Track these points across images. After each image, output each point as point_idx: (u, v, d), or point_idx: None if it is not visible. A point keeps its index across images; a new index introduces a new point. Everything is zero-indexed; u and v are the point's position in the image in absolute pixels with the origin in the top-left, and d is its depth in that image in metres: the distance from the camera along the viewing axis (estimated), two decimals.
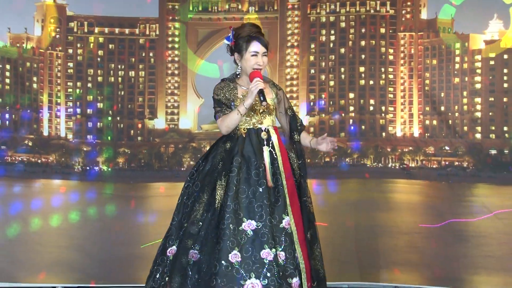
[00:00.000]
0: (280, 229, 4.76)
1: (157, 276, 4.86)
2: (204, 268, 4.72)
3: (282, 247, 4.74)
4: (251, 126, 4.94)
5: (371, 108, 7.70)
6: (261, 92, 4.70)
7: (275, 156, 4.93)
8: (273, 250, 4.70)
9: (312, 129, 7.68)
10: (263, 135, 4.93)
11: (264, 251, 4.67)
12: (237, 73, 5.03)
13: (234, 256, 4.64)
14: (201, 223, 4.80)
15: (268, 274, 4.65)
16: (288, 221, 4.80)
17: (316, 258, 4.95)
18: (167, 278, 4.80)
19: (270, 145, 4.94)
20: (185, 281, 4.73)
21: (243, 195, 4.78)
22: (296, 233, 4.83)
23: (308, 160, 7.51)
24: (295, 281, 4.70)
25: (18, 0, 7.51)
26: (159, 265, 4.90)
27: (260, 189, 4.80)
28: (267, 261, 4.67)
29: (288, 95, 5.63)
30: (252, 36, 4.95)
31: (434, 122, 7.60)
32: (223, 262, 4.62)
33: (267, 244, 4.69)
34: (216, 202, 4.83)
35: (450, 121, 7.56)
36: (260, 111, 4.96)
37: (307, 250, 4.87)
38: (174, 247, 4.84)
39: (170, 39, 7.77)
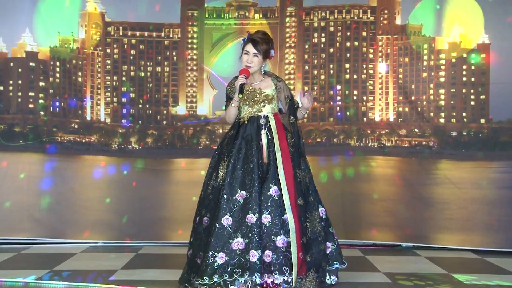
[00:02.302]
0: (268, 196, 5.02)
1: (191, 240, 5.27)
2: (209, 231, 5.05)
3: (269, 211, 4.99)
4: (252, 115, 5.23)
5: (355, 97, 7.74)
6: (241, 87, 4.98)
7: (270, 137, 5.20)
8: (256, 215, 4.95)
9: (306, 115, 7.53)
10: (262, 121, 5.22)
11: (248, 216, 4.96)
12: None
13: (226, 220, 4.95)
14: (211, 195, 5.16)
15: (249, 234, 4.92)
16: (275, 190, 5.04)
17: (315, 220, 5.18)
18: (193, 240, 5.21)
19: (267, 128, 5.21)
20: (200, 244, 5.08)
21: (240, 171, 5.06)
22: (288, 199, 5.09)
23: (303, 141, 7.76)
24: (279, 238, 4.96)
25: (66, 9, 7.65)
26: (192, 231, 5.28)
27: (251, 165, 5.08)
28: (250, 224, 4.94)
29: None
30: (248, 38, 5.22)
31: (406, 109, 7.65)
32: (217, 225, 4.94)
33: (251, 210, 4.96)
34: (219, 178, 5.15)
35: (419, 108, 7.62)
36: (260, 101, 5.29)
37: (298, 213, 5.10)
38: (199, 217, 5.23)
39: (189, 41, 7.82)
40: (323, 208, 5.30)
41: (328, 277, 5.24)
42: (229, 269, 4.90)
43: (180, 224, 7.49)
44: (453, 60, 7.57)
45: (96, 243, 7.47)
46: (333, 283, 5.25)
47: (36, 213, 7.54)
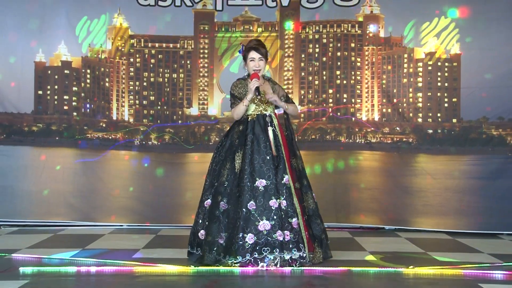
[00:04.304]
0: (282, 184, 5.12)
1: (200, 221, 5.31)
2: (231, 214, 5.09)
3: (284, 197, 5.10)
4: (259, 113, 5.31)
5: (345, 100, 7.77)
6: (257, 89, 5.03)
7: (276, 133, 5.30)
8: (278, 200, 5.05)
9: (302, 115, 7.72)
10: (267, 119, 5.31)
11: (271, 201, 5.05)
12: (245, 75, 5.44)
13: (251, 205, 5.02)
14: (226, 183, 5.18)
15: (275, 217, 5.02)
16: (287, 179, 5.16)
17: (309, 200, 5.31)
18: (206, 223, 5.23)
19: (273, 125, 5.32)
20: (219, 226, 5.11)
21: (256, 162, 5.13)
22: (292, 186, 5.21)
23: (300, 137, 7.61)
24: (294, 220, 5.09)
25: (96, 24, 7.64)
26: (200, 213, 5.32)
27: (268, 157, 5.16)
28: (274, 208, 5.04)
29: (286, 91, 5.78)
30: (250, 47, 5.30)
31: (389, 110, 7.68)
32: (243, 209, 5.01)
33: (273, 196, 5.05)
34: (236, 168, 5.19)
35: (400, 109, 7.65)
36: (265, 101, 5.37)
37: (298, 196, 5.23)
38: (209, 200, 5.26)
39: (201, 51, 7.85)
40: (314, 194, 5.41)
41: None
42: (257, 248, 4.97)
43: (193, 209, 7.19)
44: (429, 67, 7.58)
45: (121, 225, 7.51)
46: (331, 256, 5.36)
47: (70, 199, 7.60)
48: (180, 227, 7.42)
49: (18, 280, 4.67)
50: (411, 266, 5.16)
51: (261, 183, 5.08)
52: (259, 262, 4.98)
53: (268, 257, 4.99)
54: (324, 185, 7.47)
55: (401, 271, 5.08)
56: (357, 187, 7.66)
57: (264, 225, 5.00)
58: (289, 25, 7.79)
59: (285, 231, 5.03)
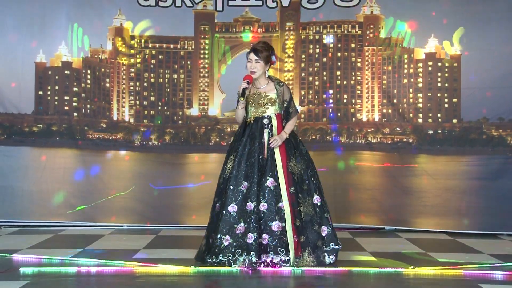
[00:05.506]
0: (265, 187, 5.12)
1: (209, 221, 5.41)
2: (219, 215, 5.18)
3: (265, 199, 5.10)
4: (258, 115, 5.34)
5: (345, 100, 7.75)
6: (243, 91, 5.02)
7: (272, 136, 5.30)
8: (255, 203, 5.07)
9: (303, 115, 7.69)
10: (265, 121, 5.32)
11: (248, 203, 5.09)
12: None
13: (232, 208, 5.08)
14: (222, 185, 5.26)
15: (248, 220, 5.06)
16: (271, 181, 5.14)
17: (308, 205, 5.26)
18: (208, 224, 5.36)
19: (269, 128, 5.31)
20: (213, 227, 5.22)
21: (244, 165, 5.17)
22: (285, 189, 5.20)
23: (300, 138, 7.69)
24: (274, 223, 5.07)
25: (96, 25, 7.67)
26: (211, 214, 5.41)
27: (253, 160, 5.19)
28: (249, 211, 5.06)
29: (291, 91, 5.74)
30: (251, 48, 5.33)
31: (389, 110, 7.67)
32: (224, 212, 5.08)
33: (250, 199, 5.08)
34: (227, 171, 5.25)
35: (400, 110, 7.64)
36: (264, 103, 5.38)
37: (291, 200, 5.19)
38: (213, 203, 5.38)
39: (202, 51, 7.83)
40: (317, 196, 5.35)
41: (327, 256, 5.30)
42: (232, 250, 5.04)
43: (193, 210, 7.52)
44: (429, 68, 7.57)
45: (122, 226, 7.51)
46: (331, 262, 5.30)
47: (70, 200, 7.58)
48: (180, 227, 7.43)
49: (18, 280, 4.68)
50: (411, 267, 5.17)
51: (245, 186, 5.14)
52: (232, 263, 5.05)
53: (239, 259, 5.04)
54: (324, 186, 7.09)
55: (401, 271, 5.10)
56: (357, 187, 7.65)
57: (241, 228, 5.07)
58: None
59: (263, 235, 5.06)
